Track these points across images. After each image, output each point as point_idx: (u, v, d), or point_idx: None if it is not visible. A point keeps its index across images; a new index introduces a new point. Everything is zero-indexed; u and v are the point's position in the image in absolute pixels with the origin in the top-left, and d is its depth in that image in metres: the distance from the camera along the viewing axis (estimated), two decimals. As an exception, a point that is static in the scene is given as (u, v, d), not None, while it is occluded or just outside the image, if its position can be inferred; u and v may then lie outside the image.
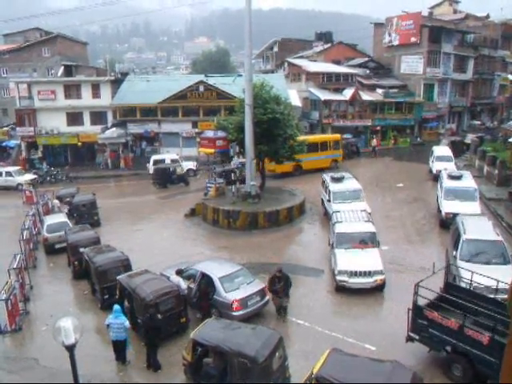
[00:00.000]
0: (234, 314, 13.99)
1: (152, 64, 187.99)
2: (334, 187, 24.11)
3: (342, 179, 25.17)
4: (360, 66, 55.61)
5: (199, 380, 11.17)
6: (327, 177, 25.71)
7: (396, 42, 53.67)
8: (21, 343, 14.68)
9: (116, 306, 13.08)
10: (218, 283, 14.58)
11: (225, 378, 10.50)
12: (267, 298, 15.00)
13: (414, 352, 12.33)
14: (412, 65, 52.34)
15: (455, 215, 21.63)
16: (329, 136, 40.66)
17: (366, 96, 49.03)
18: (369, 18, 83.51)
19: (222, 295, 14.33)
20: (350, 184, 24.79)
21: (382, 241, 20.49)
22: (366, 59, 58.38)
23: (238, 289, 14.55)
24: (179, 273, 15.31)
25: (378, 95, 49.79)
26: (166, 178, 35.31)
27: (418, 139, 50.32)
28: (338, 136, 39.93)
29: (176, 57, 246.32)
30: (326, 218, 24.06)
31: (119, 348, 12.85)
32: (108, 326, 12.73)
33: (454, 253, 15.86)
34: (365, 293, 15.92)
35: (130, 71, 71.33)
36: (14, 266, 16.71)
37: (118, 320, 12.61)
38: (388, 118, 49.45)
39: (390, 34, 54.49)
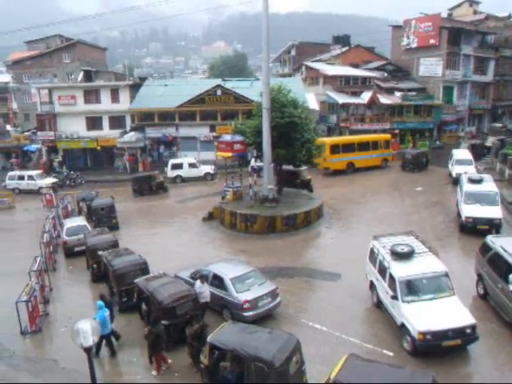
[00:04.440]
0: (245, 314, 14.18)
1: (170, 69, 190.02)
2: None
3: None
4: (378, 69, 55.29)
5: (216, 383, 11.16)
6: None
7: (414, 45, 53.18)
8: (41, 344, 14.88)
9: (99, 302, 13.59)
10: (229, 284, 14.78)
11: (242, 382, 10.46)
12: (279, 299, 15.13)
13: (433, 358, 12.14)
14: (431, 67, 51.80)
15: (475, 220, 21.47)
16: (380, 136, 41.62)
17: (384, 99, 48.67)
18: (387, 21, 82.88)
19: (234, 296, 14.52)
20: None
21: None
22: (384, 62, 58.02)
23: (250, 290, 14.73)
24: (202, 277, 15.17)
25: (396, 98, 49.37)
26: (145, 186, 35.65)
27: (438, 142, 49.75)
28: (388, 136, 41.24)
29: (194, 61, 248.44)
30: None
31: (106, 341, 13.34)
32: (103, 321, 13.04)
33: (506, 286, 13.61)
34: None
35: (149, 76, 72.16)
36: (35, 269, 16.95)
37: (106, 313, 13.25)
38: (406, 122, 49.02)
39: (408, 37, 54.03)
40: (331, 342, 13.33)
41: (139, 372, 12.76)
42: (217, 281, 15.27)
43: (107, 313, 13.61)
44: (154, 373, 12.45)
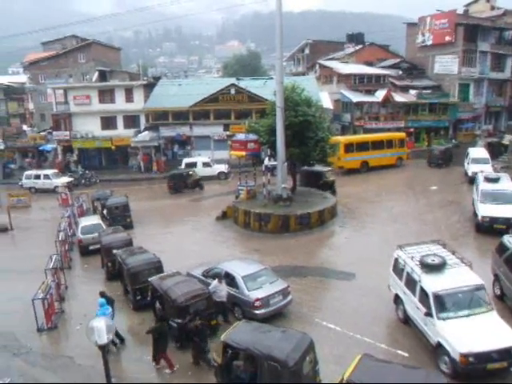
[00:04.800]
0: (256, 312, 14.27)
1: (184, 68, 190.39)
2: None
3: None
4: (392, 67, 54.85)
5: (229, 382, 11.15)
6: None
7: (429, 42, 52.65)
8: (56, 341, 15.03)
9: (100, 300, 13.84)
10: (241, 282, 14.87)
11: (255, 381, 10.44)
12: (290, 297, 15.18)
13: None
14: (446, 65, 51.21)
15: (492, 219, 21.16)
16: (394, 134, 41.16)
17: (398, 97, 48.29)
18: (401, 18, 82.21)
19: (245, 294, 14.61)
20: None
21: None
22: (399, 60, 57.55)
23: (261, 288, 14.80)
24: (219, 277, 15.19)
25: (411, 96, 48.95)
26: (181, 183, 35.64)
27: (453, 141, 49.15)
28: (403, 134, 40.92)
29: (207, 60, 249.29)
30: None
31: None
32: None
33: None
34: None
35: (162, 75, 72.50)
36: (50, 267, 17.16)
37: (107, 311, 13.52)
38: (421, 120, 48.60)
39: (423, 34, 53.51)
40: (345, 342, 13.26)
41: (153, 370, 12.81)
42: (228, 279, 15.35)
43: (109, 310, 13.87)
44: (167, 371, 12.53)
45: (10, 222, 28.29)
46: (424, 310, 12.27)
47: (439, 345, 11.61)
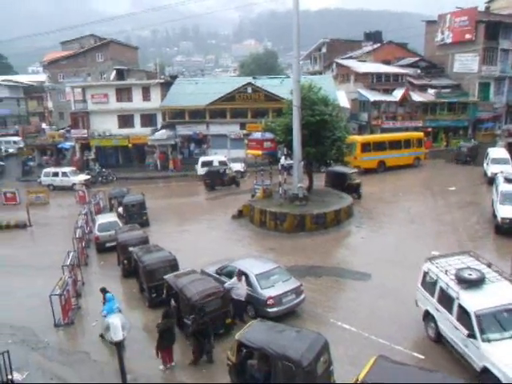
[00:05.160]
0: (269, 310, 14.31)
1: (200, 67, 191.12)
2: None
3: None
4: (411, 65, 54.28)
5: (243, 381, 11.16)
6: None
7: (449, 40, 51.94)
8: (73, 337, 15.19)
9: (108, 295, 14.28)
10: (254, 280, 14.91)
11: (269, 381, 10.42)
12: (303, 296, 15.16)
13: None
14: (466, 63, 50.47)
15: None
16: (412, 134, 40.82)
17: (416, 96, 47.79)
18: (420, 16, 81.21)
19: (258, 292, 14.64)
20: None
21: (432, 246, 19.90)
22: (417, 59, 56.92)
23: (274, 286, 14.84)
24: (239, 275, 15.05)
25: (429, 96, 48.39)
26: (217, 181, 35.48)
27: (472, 141, 48.42)
28: (421, 134, 40.59)
29: (224, 59, 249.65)
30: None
31: None
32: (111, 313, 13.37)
33: None
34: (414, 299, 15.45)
35: (179, 74, 72.78)
36: (68, 263, 17.34)
37: (114, 305, 13.90)
38: (440, 119, 48.04)
39: (442, 32, 52.82)
40: (360, 343, 13.15)
41: (167, 367, 12.86)
42: (242, 277, 15.34)
43: (115, 305, 14.22)
44: (160, 366, 12.68)
45: (28, 218, 28.70)
46: (465, 330, 11.12)
47: (485, 370, 10.46)
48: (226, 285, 14.67)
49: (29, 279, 19.74)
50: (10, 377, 10.57)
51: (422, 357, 12.26)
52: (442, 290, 12.50)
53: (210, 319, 13.27)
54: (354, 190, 28.89)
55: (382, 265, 18.62)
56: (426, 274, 13.55)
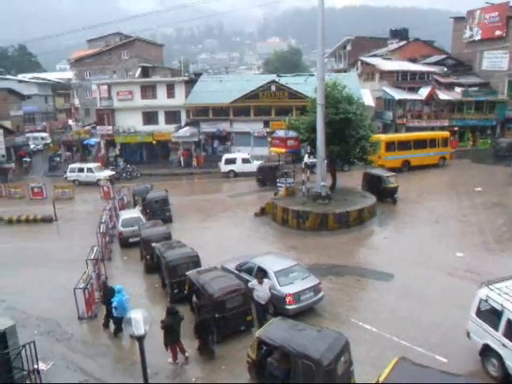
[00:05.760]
0: (288, 307, 14.32)
1: (225, 64, 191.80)
2: None
3: None
4: (437, 63, 53.34)
5: (263, 379, 11.16)
6: None
7: (478, 37, 50.76)
8: (95, 330, 15.42)
9: (118, 286, 14.67)
10: (273, 277, 14.92)
11: (288, 379, 10.41)
12: (321, 293, 15.11)
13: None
14: (495, 61, 49.24)
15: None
16: (438, 133, 40.22)
17: (443, 95, 46.93)
18: (448, 13, 79.63)
19: (277, 289, 14.63)
20: None
21: (457, 247, 19.56)
22: (444, 56, 55.91)
23: (293, 283, 14.83)
24: (260, 277, 14.75)
25: (456, 94, 47.47)
26: (269, 177, 34.15)
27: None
28: (446, 133, 39.82)
29: (248, 57, 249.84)
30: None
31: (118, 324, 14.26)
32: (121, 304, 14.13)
33: None
34: (438, 300, 15.22)
35: (204, 72, 73.03)
36: (92, 257, 17.62)
37: (124, 297, 14.32)
38: (467, 118, 46.95)
39: (471, 29, 51.67)
40: (381, 344, 13.01)
41: (187, 362, 12.98)
42: (261, 273, 15.34)
43: (125, 297, 14.52)
44: (169, 360, 12.80)
45: (54, 212, 29.25)
46: None
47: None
48: (249, 284, 14.61)
49: (54, 272, 20.18)
50: (35, 366, 10.82)
51: (445, 360, 12.03)
52: (510, 323, 10.81)
53: (231, 316, 13.39)
54: (390, 195, 27.67)
55: (404, 265, 18.40)
56: (483, 301, 11.71)
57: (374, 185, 28.01)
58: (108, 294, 15.03)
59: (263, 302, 14.23)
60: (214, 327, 13.06)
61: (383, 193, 27.49)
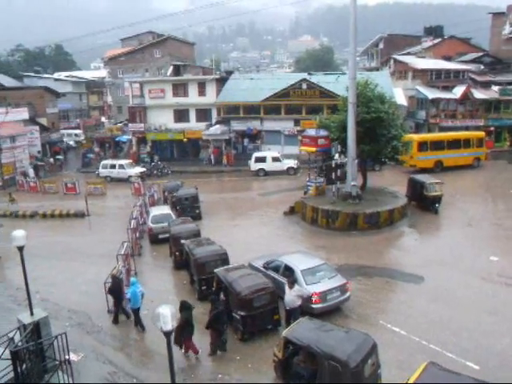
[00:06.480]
0: (314, 306, 14.22)
1: (256, 63, 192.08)
2: None
3: None
4: (473, 61, 51.96)
5: (288, 378, 11.13)
6: None
7: (518, 33, 49.21)
8: (124, 323, 15.57)
9: (132, 279, 15.15)
10: (299, 275, 14.84)
11: (314, 380, 10.35)
12: (348, 293, 14.97)
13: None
14: (537, 57, 47.56)
15: None
16: (472, 133, 39.38)
17: (478, 94, 45.71)
18: (487, 8, 76.93)
19: (303, 287, 14.50)
20: None
21: (490, 250, 19.05)
22: (481, 54, 54.43)
23: (319, 282, 14.74)
24: (291, 282, 14.21)
25: (493, 93, 46.17)
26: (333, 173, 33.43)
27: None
28: (482, 133, 38.95)
29: (279, 55, 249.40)
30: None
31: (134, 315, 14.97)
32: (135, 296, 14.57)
33: None
34: (470, 305, 14.85)
35: (235, 70, 73.33)
36: (122, 253, 17.90)
37: (138, 289, 14.76)
38: (504, 118, 45.60)
39: (511, 24, 50.04)
40: (409, 347, 12.78)
41: (210, 358, 13.08)
42: (288, 272, 15.36)
43: (139, 289, 14.91)
44: (188, 354, 13.06)
45: (87, 208, 29.87)
46: None
47: None
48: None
49: (85, 266, 20.62)
50: (67, 357, 11.09)
51: (477, 367, 11.67)
52: None
53: (258, 314, 13.39)
54: (431, 203, 25.44)
55: (435, 268, 18.04)
56: None
57: (415, 191, 26.47)
58: (116, 285, 15.38)
59: (287, 308, 13.79)
60: (227, 320, 13.22)
61: (424, 201, 25.80)
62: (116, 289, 15.31)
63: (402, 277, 17.71)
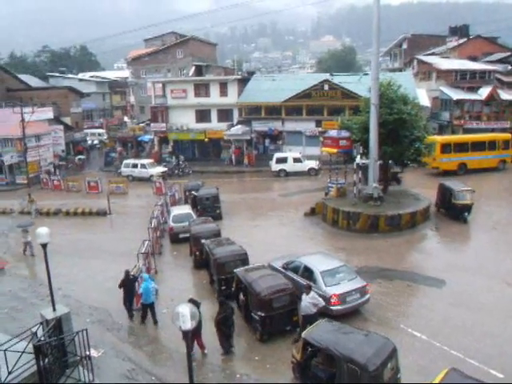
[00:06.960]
0: (332, 308, 14.16)
1: (278, 63, 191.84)
2: None
3: None
4: (500, 61, 50.84)
5: (306, 380, 11.10)
6: None
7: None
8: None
9: (145, 275, 15.46)
10: (319, 277, 14.82)
11: (332, 382, 10.27)
12: (367, 296, 14.87)
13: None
14: None
15: None
16: (498, 135, 38.69)
17: (505, 95, 44.73)
18: (514, 8, 75.50)
19: (322, 289, 14.48)
20: None
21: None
22: (508, 53, 53.20)
23: (339, 284, 14.68)
24: (308, 288, 13.83)
25: (520, 94, 45.14)
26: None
27: None
28: (508, 135, 38.09)
29: (301, 56, 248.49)
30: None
31: (150, 310, 15.26)
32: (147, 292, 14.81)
33: None
34: (493, 310, 14.55)
35: (257, 70, 73.39)
36: (143, 251, 18.09)
37: (150, 285, 15.10)
38: (532, 120, 44.53)
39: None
40: (430, 353, 12.57)
41: (232, 359, 13.10)
42: (307, 273, 15.33)
43: (152, 284, 15.32)
44: (205, 351, 13.25)
45: (108, 206, 30.26)
46: None
47: None
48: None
49: (106, 263, 20.91)
50: (87, 352, 11.26)
51: (501, 375, 11.36)
52: None
53: (277, 315, 13.36)
54: (459, 212, 23.71)
55: (457, 272, 17.73)
56: None
57: (444, 198, 25.00)
58: (127, 281, 15.65)
59: (302, 313, 13.37)
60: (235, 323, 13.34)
61: (452, 209, 24.22)
62: (127, 284, 15.61)
63: (423, 280, 17.46)
